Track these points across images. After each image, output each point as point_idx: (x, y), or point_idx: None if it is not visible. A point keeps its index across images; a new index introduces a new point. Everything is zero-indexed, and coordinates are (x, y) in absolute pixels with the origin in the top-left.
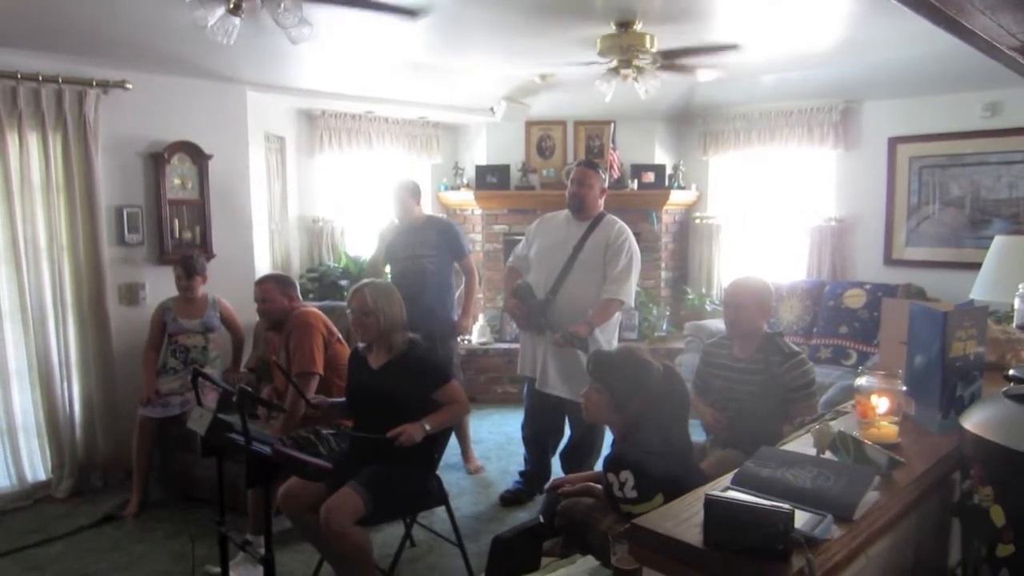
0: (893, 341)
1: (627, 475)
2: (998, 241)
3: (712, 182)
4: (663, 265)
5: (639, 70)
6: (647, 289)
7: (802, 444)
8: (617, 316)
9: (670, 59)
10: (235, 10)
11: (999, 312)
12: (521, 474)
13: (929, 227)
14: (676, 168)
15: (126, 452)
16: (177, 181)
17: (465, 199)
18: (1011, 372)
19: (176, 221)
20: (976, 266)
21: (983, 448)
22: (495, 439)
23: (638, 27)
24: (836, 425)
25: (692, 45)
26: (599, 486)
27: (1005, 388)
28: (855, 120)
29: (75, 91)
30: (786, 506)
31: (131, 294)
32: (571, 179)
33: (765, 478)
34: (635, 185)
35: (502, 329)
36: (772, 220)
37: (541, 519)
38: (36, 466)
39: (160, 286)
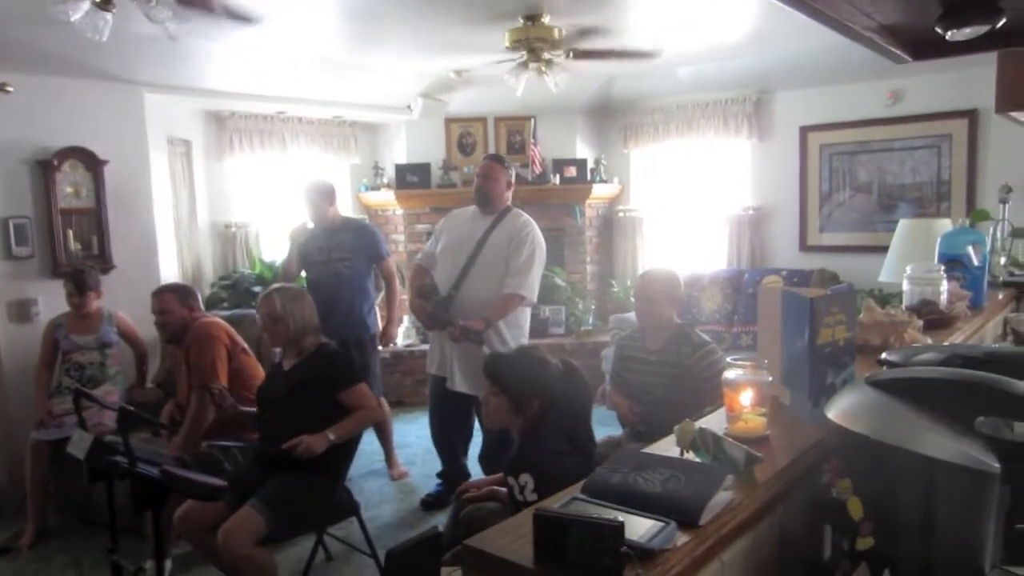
0: (770, 330)
1: (527, 478)
2: (902, 224)
3: (633, 175)
4: (588, 259)
5: (548, 63)
6: (573, 284)
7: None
8: (526, 314)
9: (583, 58)
10: (104, 5)
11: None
12: (439, 476)
13: (841, 213)
14: (598, 162)
15: (20, 478)
16: (70, 189)
17: (386, 199)
18: (883, 356)
19: (70, 231)
20: (883, 249)
21: (841, 437)
22: (421, 443)
23: (546, 20)
24: (702, 421)
25: (607, 48)
26: (504, 489)
27: (870, 374)
28: (768, 110)
29: None
30: (618, 517)
31: (22, 311)
32: (476, 173)
33: (615, 485)
34: (557, 180)
35: (426, 331)
36: (692, 211)
37: (439, 528)
38: None
39: (54, 301)
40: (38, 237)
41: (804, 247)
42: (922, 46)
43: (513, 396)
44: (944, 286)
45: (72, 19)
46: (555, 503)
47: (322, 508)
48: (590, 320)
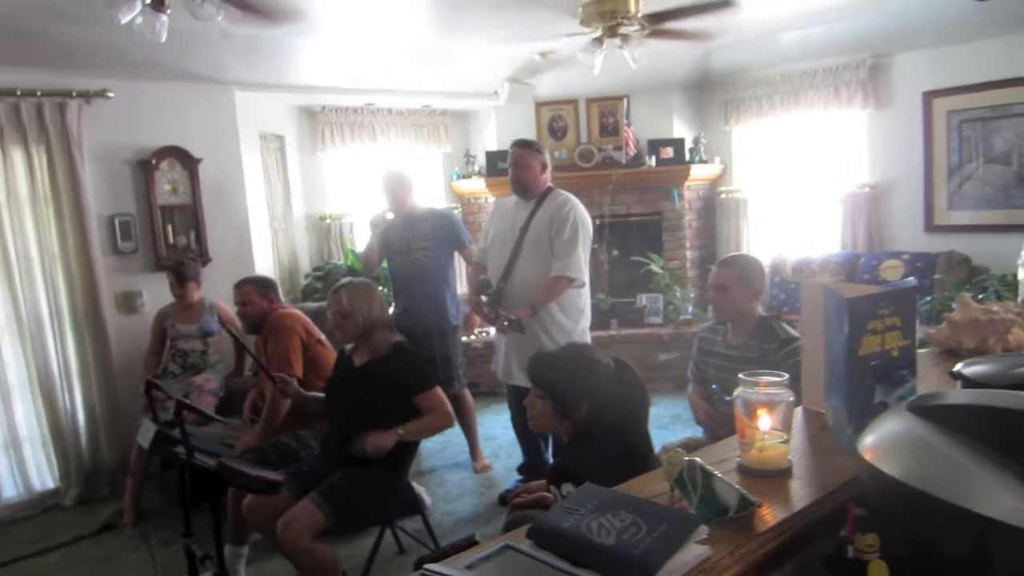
0: (813, 333)
1: (569, 488)
2: None
3: (736, 153)
4: (687, 244)
5: (625, 38)
6: (672, 271)
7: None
8: (583, 295)
9: (658, 23)
10: (159, 6)
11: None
12: (519, 470)
13: (972, 187)
14: (696, 141)
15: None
16: (167, 187)
17: (478, 187)
18: (956, 368)
19: (169, 227)
20: None
21: (871, 478)
22: (508, 435)
23: None
24: (708, 450)
25: (680, 5)
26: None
27: (915, 396)
28: (885, 76)
29: (55, 103)
30: None
31: (128, 302)
32: (508, 163)
33: (564, 531)
34: (653, 161)
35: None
36: (802, 190)
37: (476, 536)
38: (44, 475)
39: (157, 293)
40: (141, 233)
41: (929, 227)
42: None
43: (559, 399)
44: None
45: (123, 21)
46: (484, 550)
47: (383, 503)
48: (690, 309)
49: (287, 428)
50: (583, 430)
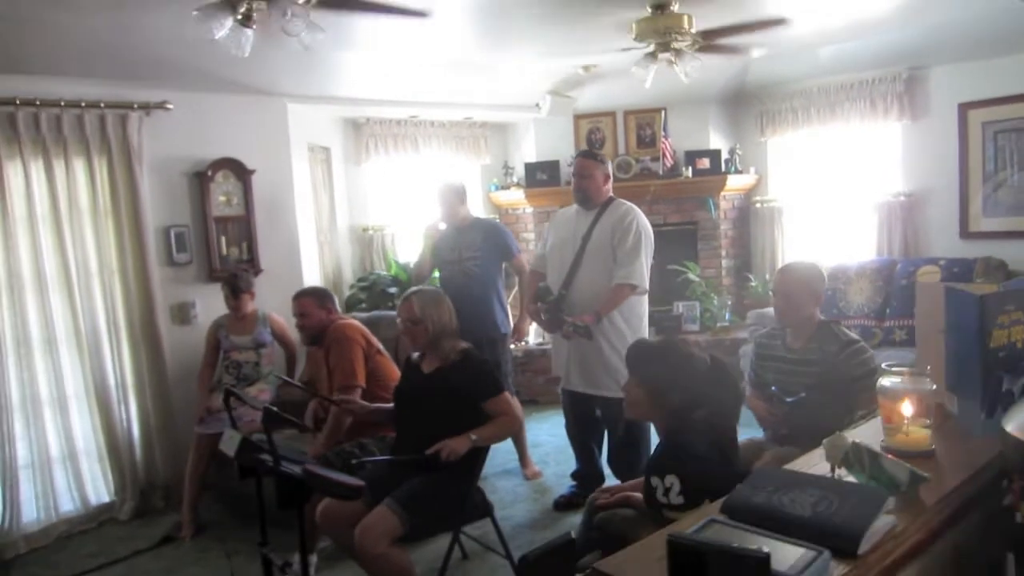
0: (930, 331)
1: (672, 479)
2: None
3: (771, 164)
4: (724, 253)
5: (678, 53)
6: (708, 279)
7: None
8: (643, 303)
9: (711, 39)
10: (245, 21)
11: None
12: (573, 476)
13: (1007, 194)
14: (732, 152)
15: (184, 472)
16: (222, 198)
17: (516, 198)
18: None
19: (223, 238)
20: None
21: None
22: (555, 442)
23: (675, 8)
24: (854, 434)
25: (734, 22)
26: (638, 495)
27: None
28: (921, 88)
29: (118, 115)
30: (762, 545)
31: (182, 313)
32: (572, 172)
33: (758, 505)
34: (690, 172)
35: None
36: (837, 199)
37: (572, 535)
38: (99, 489)
39: (210, 304)
40: (195, 244)
41: (965, 234)
42: None
43: (652, 387)
44: None
45: (216, 37)
46: (690, 525)
47: (456, 509)
48: (727, 316)
49: (350, 437)
50: (679, 421)
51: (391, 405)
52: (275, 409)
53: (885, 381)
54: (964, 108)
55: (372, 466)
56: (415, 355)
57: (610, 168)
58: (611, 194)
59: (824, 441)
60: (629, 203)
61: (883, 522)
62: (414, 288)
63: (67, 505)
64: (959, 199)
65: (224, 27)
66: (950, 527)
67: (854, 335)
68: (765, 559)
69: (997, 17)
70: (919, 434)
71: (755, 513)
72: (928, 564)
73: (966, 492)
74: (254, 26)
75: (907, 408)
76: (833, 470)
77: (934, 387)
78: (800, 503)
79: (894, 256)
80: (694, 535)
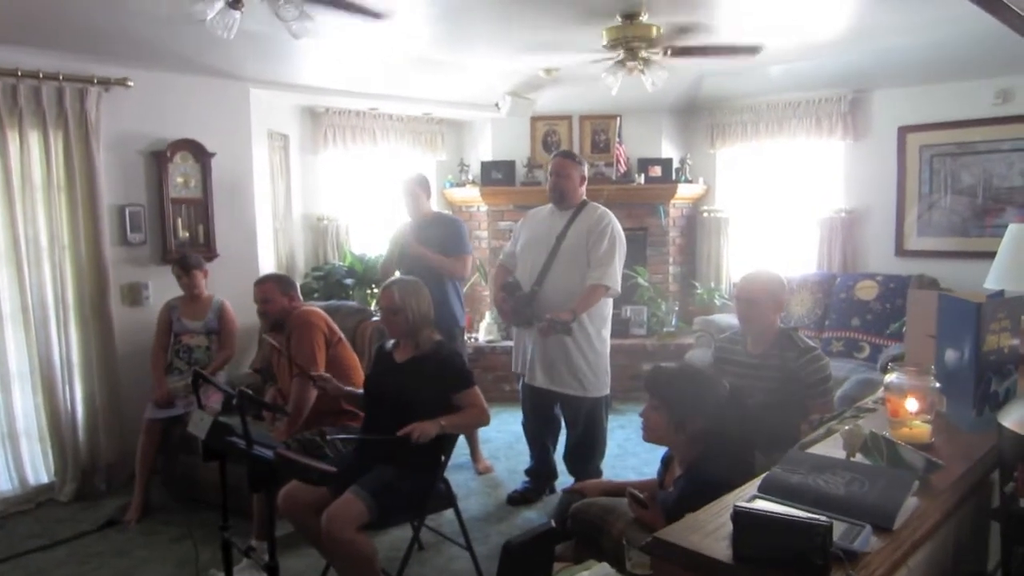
0: (920, 334)
1: None
2: (1013, 229)
3: (720, 175)
4: (671, 260)
5: (646, 62)
6: (655, 284)
7: (828, 446)
8: (608, 305)
9: (681, 55)
10: (235, 4)
11: None
12: (527, 472)
13: (940, 216)
14: (683, 161)
15: (130, 455)
16: (180, 179)
17: (471, 196)
18: None
19: (179, 220)
20: (986, 255)
21: (1017, 446)
22: (504, 438)
23: (644, 18)
24: (866, 425)
25: (708, 44)
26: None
27: None
28: (864, 110)
29: (76, 89)
30: (823, 517)
31: (134, 294)
32: (550, 171)
33: (795, 485)
34: (642, 179)
35: (508, 327)
36: (781, 212)
37: (552, 523)
38: (38, 469)
39: (164, 286)
40: (150, 224)
41: (900, 251)
42: None
43: (674, 412)
44: None
45: (208, 18)
46: (734, 498)
47: (422, 498)
48: (673, 322)
49: (310, 425)
50: (698, 450)
51: (361, 391)
52: (250, 392)
53: (892, 377)
54: (904, 131)
55: (336, 453)
56: (388, 343)
57: (586, 170)
58: (584, 196)
59: (842, 431)
60: (604, 207)
61: (910, 503)
62: (394, 277)
63: (4, 485)
64: (896, 218)
65: (215, 8)
66: (958, 508)
67: (812, 343)
68: (829, 527)
69: (940, 44)
70: (921, 428)
71: (793, 492)
72: (942, 537)
73: (969, 480)
74: (242, 9)
75: (912, 404)
76: (849, 457)
77: (937, 385)
78: (834, 483)
79: (834, 270)
80: (758, 508)
